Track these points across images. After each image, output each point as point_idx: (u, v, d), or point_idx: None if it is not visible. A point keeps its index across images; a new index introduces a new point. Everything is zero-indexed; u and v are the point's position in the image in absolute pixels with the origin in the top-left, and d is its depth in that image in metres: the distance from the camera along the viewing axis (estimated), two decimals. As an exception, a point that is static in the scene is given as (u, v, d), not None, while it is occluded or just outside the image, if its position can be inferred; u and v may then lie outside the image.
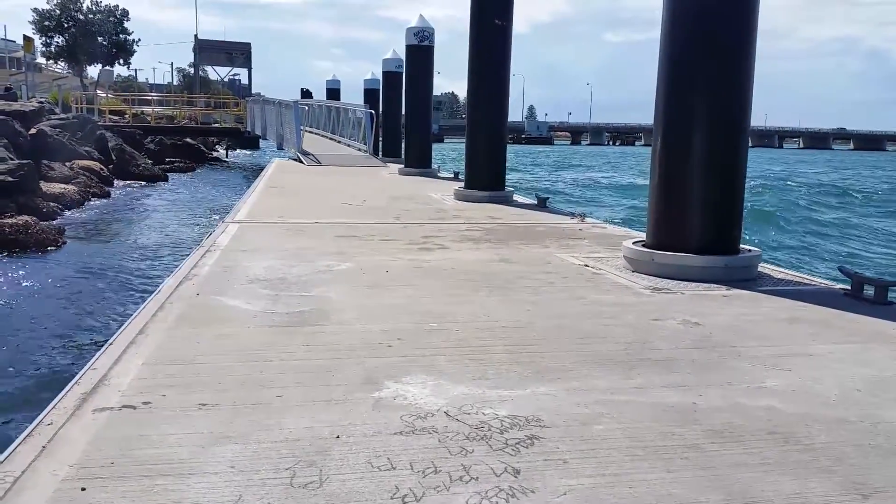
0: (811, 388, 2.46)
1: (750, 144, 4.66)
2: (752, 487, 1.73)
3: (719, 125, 4.33)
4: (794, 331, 3.21)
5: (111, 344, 2.71)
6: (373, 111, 17.92)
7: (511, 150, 12.84)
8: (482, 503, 1.61)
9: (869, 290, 3.87)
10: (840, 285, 4.19)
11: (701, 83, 4.32)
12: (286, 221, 6.51)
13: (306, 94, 36.62)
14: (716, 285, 4.07)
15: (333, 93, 27.00)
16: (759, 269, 4.50)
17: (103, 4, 53.27)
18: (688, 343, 2.96)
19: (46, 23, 51.18)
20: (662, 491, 1.69)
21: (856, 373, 2.63)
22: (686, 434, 2.03)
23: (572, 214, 8.00)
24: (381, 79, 17.47)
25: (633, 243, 4.65)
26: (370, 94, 20.01)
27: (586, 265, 4.70)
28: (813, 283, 4.39)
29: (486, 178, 9.08)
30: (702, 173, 4.32)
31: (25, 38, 35.58)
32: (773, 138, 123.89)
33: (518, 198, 9.41)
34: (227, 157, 39.13)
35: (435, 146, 15.71)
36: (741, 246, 4.50)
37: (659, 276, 4.25)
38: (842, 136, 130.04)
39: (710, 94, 4.30)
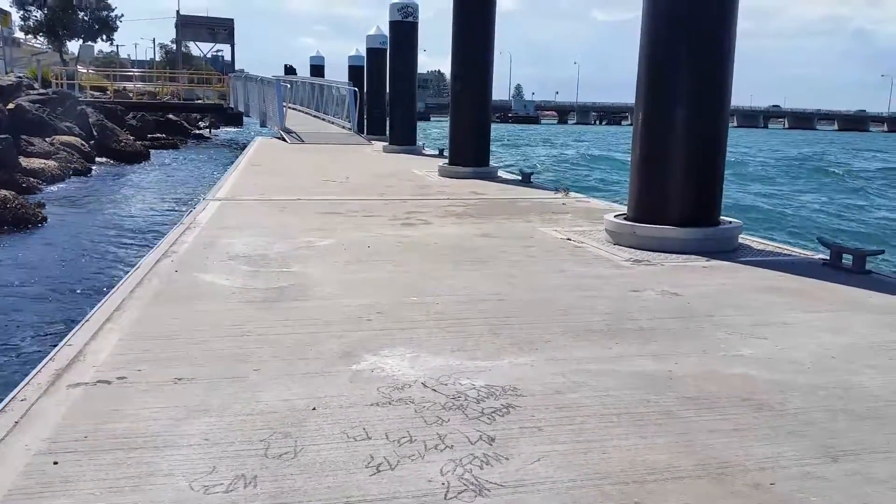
0: (786, 355, 2.48)
1: (734, 124, 4.68)
2: (724, 452, 1.74)
3: (699, 98, 4.32)
4: (772, 300, 3.23)
5: (87, 320, 2.69)
6: (357, 89, 17.76)
7: (497, 128, 12.79)
8: (456, 470, 1.62)
9: (847, 260, 3.90)
10: (820, 255, 4.22)
11: (681, 56, 4.30)
12: (268, 199, 6.47)
13: (290, 70, 36.23)
14: (696, 257, 4.09)
15: (317, 69, 26.75)
16: (740, 240, 4.52)
17: (85, -22, 52.22)
18: (666, 313, 2.97)
19: (25, -5, 50.07)
20: (636, 457, 1.71)
21: (831, 340, 2.66)
22: (661, 401, 2.04)
23: (556, 189, 8.00)
24: (365, 56, 17.32)
25: (615, 216, 4.65)
26: (355, 72, 19.85)
27: (568, 239, 4.70)
28: (793, 253, 4.42)
29: (470, 154, 9.04)
30: (682, 146, 4.32)
31: (2, 11, 34.87)
32: (759, 118, 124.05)
33: (503, 173, 9.39)
34: (210, 133, 38.74)
35: (420, 124, 15.63)
36: (722, 217, 4.52)
37: (640, 249, 4.26)
38: (826, 116, 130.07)
39: (689, 67, 4.29)
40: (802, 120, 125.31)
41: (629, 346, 2.53)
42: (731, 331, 2.74)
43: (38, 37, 52.20)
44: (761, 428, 1.89)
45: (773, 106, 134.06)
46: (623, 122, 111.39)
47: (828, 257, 4.01)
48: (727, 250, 4.28)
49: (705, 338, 2.66)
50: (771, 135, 79.20)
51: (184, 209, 8.17)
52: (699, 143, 4.35)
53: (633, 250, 4.25)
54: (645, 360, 2.38)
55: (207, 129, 39.79)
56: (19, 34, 49.02)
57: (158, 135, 29.36)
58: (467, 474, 1.60)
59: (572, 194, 7.47)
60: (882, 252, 4.14)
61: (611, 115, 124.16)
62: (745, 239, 4.62)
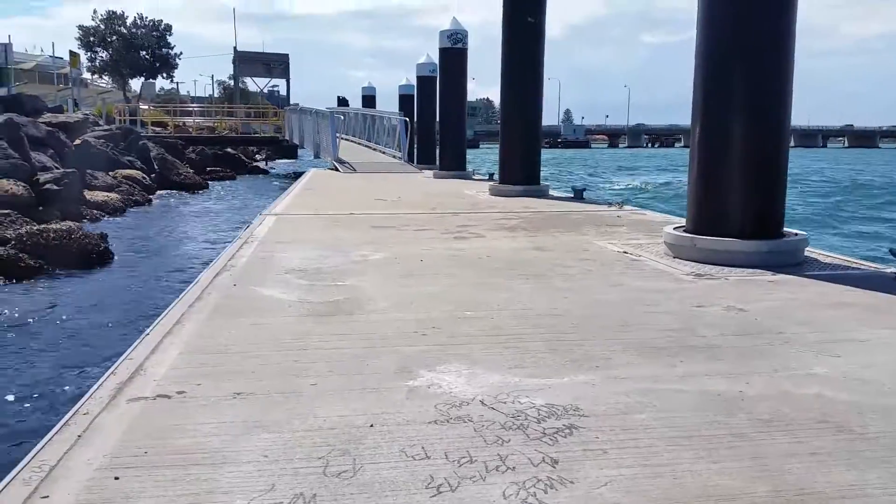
0: (862, 374, 2.35)
1: (792, 144, 4.52)
2: (803, 478, 1.64)
3: (759, 106, 4.19)
4: (843, 316, 3.09)
5: (148, 334, 2.72)
6: (407, 119, 17.89)
7: (546, 153, 12.69)
8: (519, 493, 1.56)
9: (923, 274, 3.71)
10: (890, 269, 4.03)
11: (738, 68, 4.18)
12: (321, 214, 6.52)
13: (342, 101, 36.87)
14: (760, 270, 3.95)
15: (369, 100, 27.08)
16: (806, 253, 4.35)
17: (147, 19, 54.49)
18: (732, 329, 2.86)
19: (91, 38, 52.41)
20: (708, 482, 1.62)
21: (911, 359, 2.51)
22: (732, 423, 1.95)
23: (609, 203, 7.88)
24: (415, 84, 17.41)
25: (674, 229, 4.54)
26: (405, 101, 19.98)
27: (625, 252, 4.60)
28: (862, 266, 4.23)
29: (520, 173, 8.98)
30: (742, 156, 4.19)
31: (71, 53, 36.42)
32: (817, 138, 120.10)
33: (554, 192, 9.30)
34: (266, 165, 39.56)
35: (470, 151, 15.63)
36: (786, 230, 4.36)
37: (701, 262, 4.14)
38: (889, 133, 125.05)
39: (748, 79, 4.16)
40: (864, 138, 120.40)
41: (695, 365, 2.43)
42: (802, 348, 2.62)
43: (104, 76, 54.50)
44: (841, 452, 1.78)
45: (847, 125, 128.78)
46: (676, 145, 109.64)
47: (901, 271, 3.82)
48: (793, 264, 4.12)
49: (775, 356, 2.54)
50: (827, 153, 76.31)
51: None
52: (760, 152, 4.21)
53: (693, 264, 4.13)
54: (713, 380, 2.28)
55: (264, 162, 40.65)
56: (86, 74, 51.18)
57: (216, 168, 30.13)
58: (531, 498, 1.54)
59: (627, 207, 7.34)
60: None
61: (663, 137, 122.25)
62: (811, 252, 4.45)
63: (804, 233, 4.41)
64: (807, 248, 4.37)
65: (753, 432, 1.89)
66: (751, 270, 3.95)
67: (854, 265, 4.27)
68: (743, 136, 4.17)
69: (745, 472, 1.68)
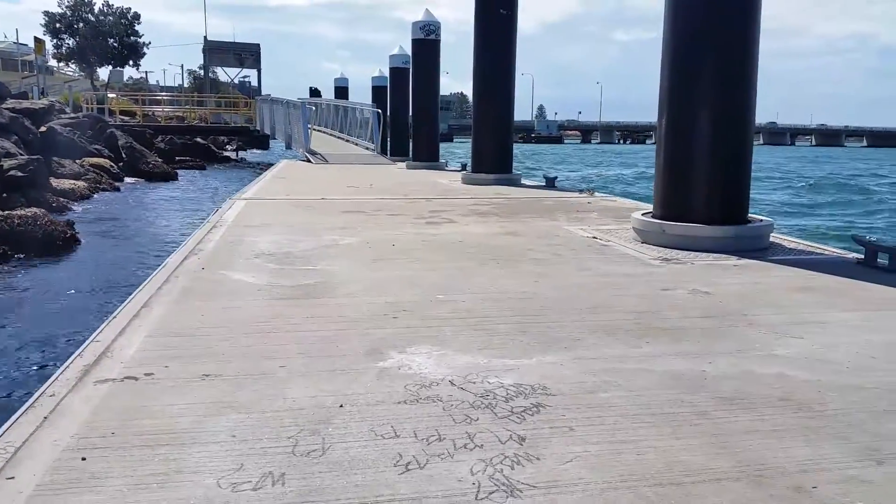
0: (824, 355, 2.41)
1: (760, 142, 4.59)
2: (763, 454, 1.69)
3: (724, 96, 4.25)
4: (806, 299, 3.16)
5: (115, 317, 2.70)
6: (380, 111, 17.77)
7: (519, 148, 12.75)
8: (486, 470, 1.58)
9: (883, 259, 3.81)
10: (854, 254, 4.12)
11: (705, 57, 4.23)
12: (292, 198, 6.48)
13: (315, 92, 36.48)
14: (726, 255, 4.01)
15: (342, 91, 26.83)
16: (771, 238, 4.43)
17: (115, 7, 53.42)
18: (698, 312, 2.91)
19: (58, 25, 51.29)
20: (671, 458, 1.66)
21: (870, 340, 2.58)
22: (695, 401, 1.99)
23: (581, 190, 7.95)
24: (388, 76, 17.29)
25: (643, 215, 4.59)
26: (378, 92, 19.86)
27: (595, 237, 4.65)
28: (825, 251, 4.32)
29: (493, 161, 9.02)
30: (708, 144, 4.25)
31: (36, 40, 35.58)
32: (785, 136, 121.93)
33: (526, 181, 9.34)
34: (237, 156, 39.09)
35: (444, 145, 15.60)
36: (752, 216, 4.43)
37: (669, 247, 4.20)
38: (855, 132, 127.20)
39: (714, 69, 4.22)
40: (830, 137, 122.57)
41: (661, 346, 2.47)
42: (766, 330, 2.67)
43: (70, 64, 53.44)
44: (801, 429, 1.83)
45: (821, 125, 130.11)
46: (647, 141, 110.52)
47: (863, 256, 3.91)
48: (758, 249, 4.20)
49: (739, 337, 2.59)
50: (797, 151, 77.58)
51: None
52: (725, 140, 4.27)
53: (661, 249, 4.19)
54: (677, 360, 2.33)
55: (234, 152, 40.15)
56: (52, 61, 50.19)
57: (186, 157, 29.71)
58: (498, 474, 1.56)
59: (597, 194, 7.40)
60: (919, 250, 4.02)
61: (634, 133, 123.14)
62: (776, 237, 4.53)
63: (769, 219, 4.49)
64: (772, 234, 4.45)
65: (716, 410, 1.94)
66: (717, 255, 4.01)
67: (818, 250, 4.36)
68: (708, 125, 4.23)
69: (707, 447, 1.72)
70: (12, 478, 1.52)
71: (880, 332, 2.69)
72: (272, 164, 16.79)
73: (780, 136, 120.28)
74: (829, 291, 3.31)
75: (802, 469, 1.62)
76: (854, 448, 1.72)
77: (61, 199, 14.51)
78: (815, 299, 3.16)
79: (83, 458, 1.61)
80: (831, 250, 4.39)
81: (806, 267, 3.80)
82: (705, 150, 4.26)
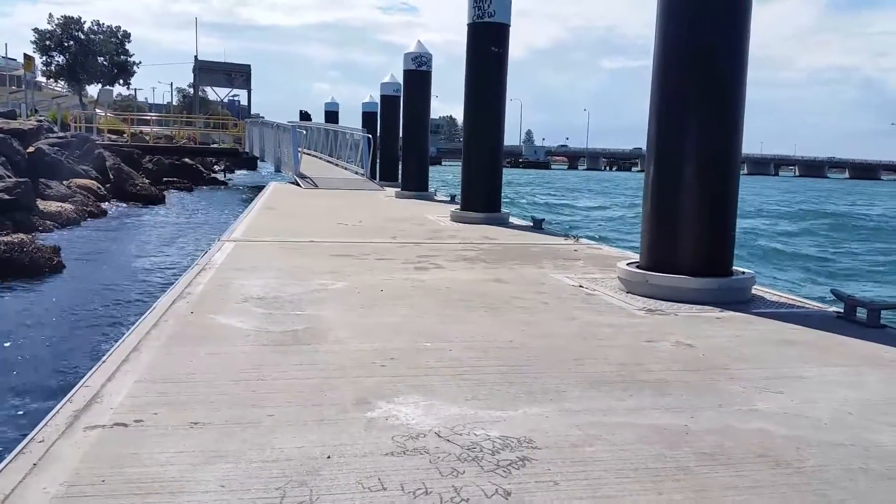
0: (803, 410, 2.46)
1: (744, 172, 4.73)
2: (742, 510, 1.73)
3: (711, 150, 4.37)
4: (787, 353, 3.22)
5: (104, 361, 2.71)
6: (370, 136, 17.99)
7: (508, 173, 12.93)
8: (472, 524, 1.61)
9: (861, 313, 3.89)
10: (833, 308, 4.21)
11: (692, 107, 4.37)
12: (282, 240, 6.52)
13: (305, 116, 36.79)
14: (709, 307, 4.08)
15: (332, 115, 27.13)
16: (754, 291, 4.51)
17: (105, 25, 53.97)
18: (681, 365, 2.97)
19: (47, 42, 51.69)
20: (653, 513, 1.69)
21: (848, 396, 2.64)
22: (677, 456, 2.03)
23: (566, 235, 8.04)
24: (379, 102, 17.56)
25: (628, 264, 4.67)
26: (368, 118, 20.12)
27: (581, 286, 4.71)
28: (806, 305, 4.40)
29: (482, 201, 9.13)
30: (694, 196, 4.35)
31: (26, 56, 35.86)
32: (769, 166, 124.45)
33: (514, 220, 9.45)
34: (225, 177, 39.20)
35: (433, 168, 15.78)
36: (735, 268, 4.52)
37: (653, 298, 4.26)
38: (837, 164, 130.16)
39: (700, 120, 4.36)
40: (813, 168, 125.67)
41: (644, 399, 2.52)
42: (747, 384, 2.73)
43: (59, 81, 53.75)
44: (779, 486, 1.87)
45: (811, 157, 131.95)
46: (633, 168, 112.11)
47: (842, 310, 4.00)
48: (741, 301, 4.27)
49: (720, 391, 2.64)
50: (781, 182, 79.03)
51: (198, 251, 8.24)
52: (711, 195, 4.38)
53: (646, 299, 4.25)
54: (660, 414, 2.37)
55: (222, 173, 40.27)
56: (41, 78, 50.46)
57: (173, 178, 29.77)
58: (484, 528, 1.59)
59: (583, 241, 7.50)
60: (896, 306, 4.12)
61: (620, 160, 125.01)
62: (758, 290, 4.61)
63: (752, 272, 4.58)
64: (754, 287, 4.53)
65: (697, 465, 1.98)
66: (700, 307, 4.08)
67: (799, 304, 4.45)
68: (695, 180, 4.34)
69: (689, 503, 1.75)
70: (1, 526, 1.53)
71: (857, 388, 2.75)
72: (261, 187, 16.84)
73: (765, 165, 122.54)
74: (809, 346, 3.37)
75: (780, 527, 1.65)
76: (831, 506, 1.76)
77: (48, 223, 14.47)
78: (795, 353, 3.23)
79: (72, 507, 1.62)
80: (812, 304, 4.48)
81: (787, 320, 3.88)
82: (691, 204, 4.36)
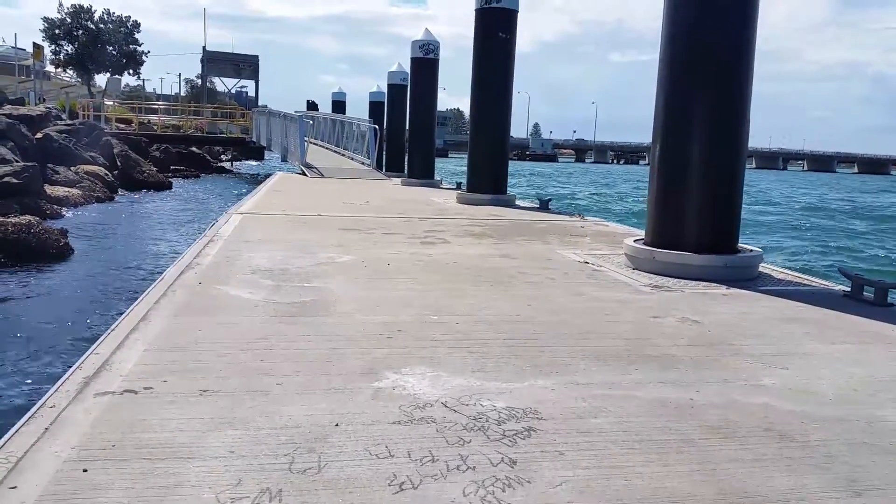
0: (808, 386, 2.47)
1: (753, 165, 4.70)
2: (746, 483, 1.74)
3: (718, 128, 4.34)
4: (793, 330, 3.22)
5: (113, 330, 2.73)
6: (377, 126, 17.88)
7: (514, 165, 12.82)
8: (479, 491, 1.62)
9: (869, 292, 3.88)
10: (840, 286, 4.20)
11: (698, 85, 4.33)
12: (289, 214, 6.53)
13: (312, 105, 36.66)
14: (716, 284, 4.08)
15: (339, 105, 26.99)
16: (760, 268, 4.51)
17: (114, 15, 53.69)
18: (686, 340, 2.97)
19: (57, 30, 51.49)
20: (657, 484, 1.71)
21: (853, 372, 2.64)
22: (682, 429, 2.04)
23: (573, 214, 8.03)
24: (386, 92, 17.43)
25: (634, 241, 4.66)
26: (375, 108, 19.99)
27: (587, 262, 4.71)
28: (813, 283, 4.40)
29: (488, 182, 9.14)
30: (700, 174, 4.33)
31: (35, 45, 35.72)
32: (778, 160, 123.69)
33: (520, 202, 9.43)
34: (232, 166, 39.12)
35: (439, 161, 15.70)
36: (742, 245, 4.51)
37: (659, 274, 4.26)
38: (846, 159, 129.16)
39: (708, 93, 4.32)
40: (821, 162, 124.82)
41: (650, 373, 2.53)
42: (752, 360, 2.73)
43: (68, 70, 53.65)
44: (783, 459, 1.89)
45: (820, 151, 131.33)
46: (641, 162, 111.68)
47: (849, 289, 3.99)
48: (747, 278, 4.27)
49: (726, 366, 2.65)
50: (793, 176, 78.16)
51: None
52: (718, 172, 4.36)
53: (652, 275, 4.26)
54: (666, 388, 2.38)
55: (229, 162, 40.20)
56: (50, 67, 50.41)
57: (181, 166, 29.80)
58: (490, 496, 1.61)
59: (589, 218, 7.48)
60: (904, 285, 4.11)
61: (628, 154, 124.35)
62: (765, 268, 4.61)
63: (759, 249, 4.57)
64: (761, 264, 4.53)
65: (701, 438, 1.99)
66: (706, 284, 4.08)
67: (805, 282, 4.44)
68: (701, 157, 4.32)
69: (693, 475, 1.77)
70: (15, 487, 1.56)
71: (863, 365, 2.75)
72: (268, 176, 16.87)
73: (773, 159, 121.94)
74: (815, 323, 3.37)
75: (783, 498, 1.67)
76: (834, 479, 1.78)
77: (55, 207, 14.54)
78: (801, 331, 3.23)
79: (84, 470, 1.64)
80: (819, 282, 4.47)
81: (794, 298, 3.87)
82: (697, 181, 4.35)
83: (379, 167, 17.51)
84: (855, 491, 1.72)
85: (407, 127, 14.63)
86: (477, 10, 8.79)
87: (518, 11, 8.75)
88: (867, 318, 3.51)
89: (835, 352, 2.92)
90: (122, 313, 3.04)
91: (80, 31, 51.95)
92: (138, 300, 3.23)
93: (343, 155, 20.40)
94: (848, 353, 2.90)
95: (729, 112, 4.34)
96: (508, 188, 9.65)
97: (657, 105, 4.52)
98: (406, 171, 14.01)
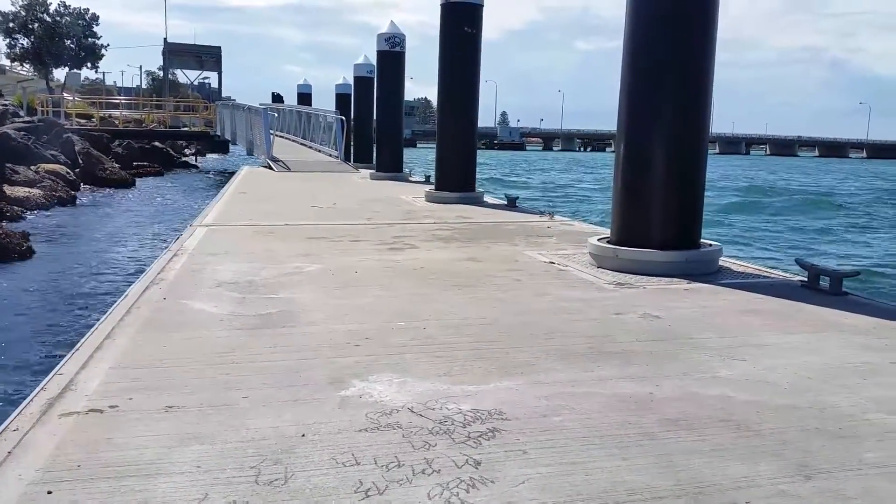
0: (764, 376, 2.55)
1: (716, 151, 4.80)
2: (702, 473, 1.80)
3: (679, 125, 4.43)
4: (751, 322, 3.31)
5: (78, 349, 2.72)
6: (343, 118, 17.89)
7: (483, 155, 12.97)
8: (443, 493, 1.66)
9: (825, 282, 4.00)
10: (798, 277, 4.32)
11: (661, 86, 4.42)
12: (255, 224, 6.51)
13: (277, 98, 36.41)
14: (677, 279, 4.17)
15: (305, 97, 26.89)
16: (721, 262, 4.61)
17: (71, 7, 52.72)
18: (647, 336, 3.04)
19: (11, 24, 50.44)
20: (616, 478, 1.76)
21: (808, 361, 2.73)
22: (642, 423, 2.10)
23: (541, 213, 8.11)
24: (352, 84, 17.45)
25: (598, 240, 4.74)
26: (342, 100, 20.01)
27: (552, 262, 4.77)
28: (772, 275, 4.51)
29: (456, 180, 9.17)
30: (663, 171, 4.42)
31: None
32: (741, 145, 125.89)
33: (488, 198, 9.49)
34: (196, 161, 38.69)
35: (407, 151, 15.75)
36: (702, 240, 4.61)
37: (623, 272, 4.34)
38: (807, 143, 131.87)
39: (669, 96, 4.41)
40: (783, 146, 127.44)
41: (611, 369, 2.59)
42: (711, 353, 2.81)
43: (25, 64, 52.60)
44: (738, 448, 1.95)
45: (796, 136, 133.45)
46: (607, 149, 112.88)
47: (806, 279, 4.10)
48: (708, 273, 4.36)
49: (685, 360, 2.72)
50: (752, 161, 79.73)
51: (171, 238, 8.20)
52: (679, 168, 4.45)
53: (616, 273, 4.33)
54: (626, 383, 2.44)
55: (193, 157, 39.75)
56: (5, 61, 49.46)
57: (144, 162, 29.43)
58: (454, 498, 1.65)
59: (557, 217, 7.57)
60: (858, 274, 4.24)
61: (595, 141, 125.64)
62: (725, 261, 4.71)
63: (718, 244, 4.67)
64: (721, 258, 4.63)
65: (661, 431, 2.05)
66: (668, 279, 4.17)
67: (764, 273, 4.55)
68: (664, 156, 4.41)
69: (652, 468, 1.82)
70: (-21, 513, 1.56)
71: (818, 353, 2.84)
72: (233, 172, 16.72)
73: (736, 144, 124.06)
74: (772, 314, 3.47)
75: (737, 486, 1.73)
76: (786, 465, 1.85)
77: (15, 208, 14.25)
78: (759, 322, 3.32)
79: (49, 492, 1.64)
80: (777, 273, 4.59)
81: (752, 290, 3.97)
82: (659, 179, 4.43)
83: (347, 159, 17.48)
84: (805, 475, 1.79)
85: (374, 118, 14.64)
86: (442, 5, 8.75)
87: (483, 6, 8.77)
88: (823, 306, 3.62)
89: (791, 341, 3.01)
90: (84, 321, 3.03)
91: (36, 25, 50.89)
92: (103, 318, 3.21)
93: (310, 147, 20.30)
94: (803, 343, 2.99)
95: (689, 114, 4.44)
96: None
97: (620, 106, 4.60)
98: (375, 164, 14.02)
